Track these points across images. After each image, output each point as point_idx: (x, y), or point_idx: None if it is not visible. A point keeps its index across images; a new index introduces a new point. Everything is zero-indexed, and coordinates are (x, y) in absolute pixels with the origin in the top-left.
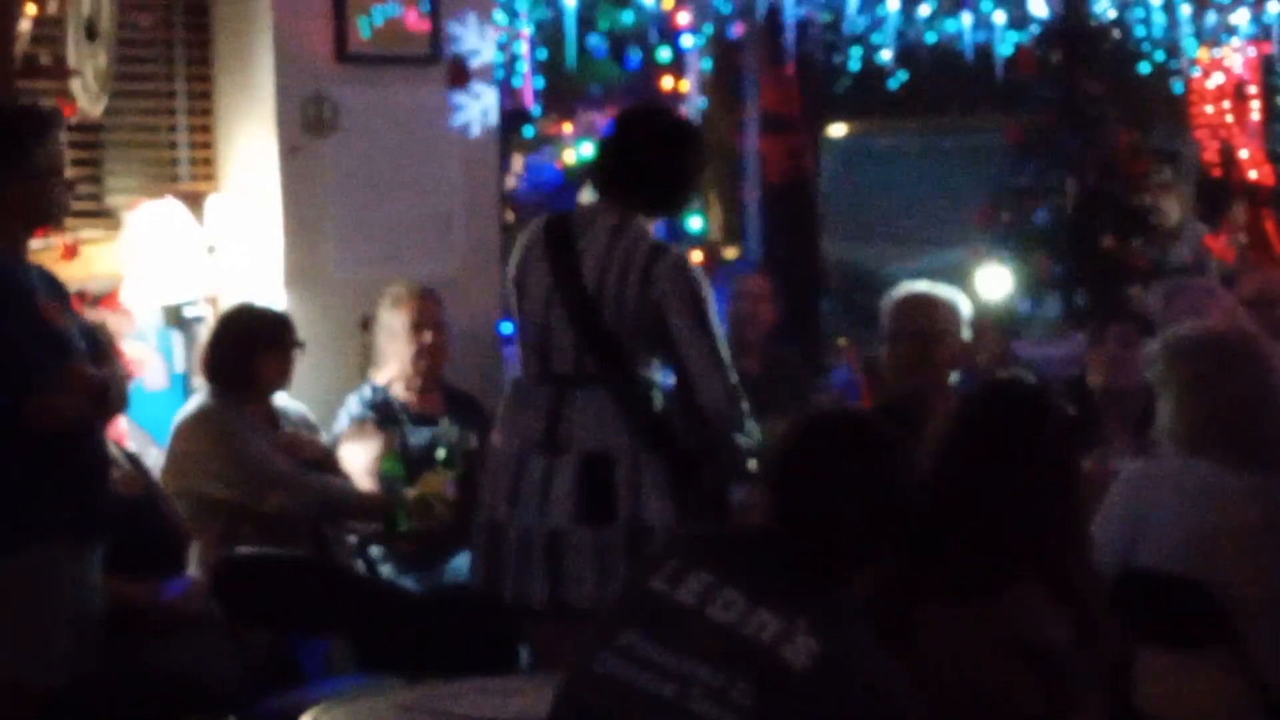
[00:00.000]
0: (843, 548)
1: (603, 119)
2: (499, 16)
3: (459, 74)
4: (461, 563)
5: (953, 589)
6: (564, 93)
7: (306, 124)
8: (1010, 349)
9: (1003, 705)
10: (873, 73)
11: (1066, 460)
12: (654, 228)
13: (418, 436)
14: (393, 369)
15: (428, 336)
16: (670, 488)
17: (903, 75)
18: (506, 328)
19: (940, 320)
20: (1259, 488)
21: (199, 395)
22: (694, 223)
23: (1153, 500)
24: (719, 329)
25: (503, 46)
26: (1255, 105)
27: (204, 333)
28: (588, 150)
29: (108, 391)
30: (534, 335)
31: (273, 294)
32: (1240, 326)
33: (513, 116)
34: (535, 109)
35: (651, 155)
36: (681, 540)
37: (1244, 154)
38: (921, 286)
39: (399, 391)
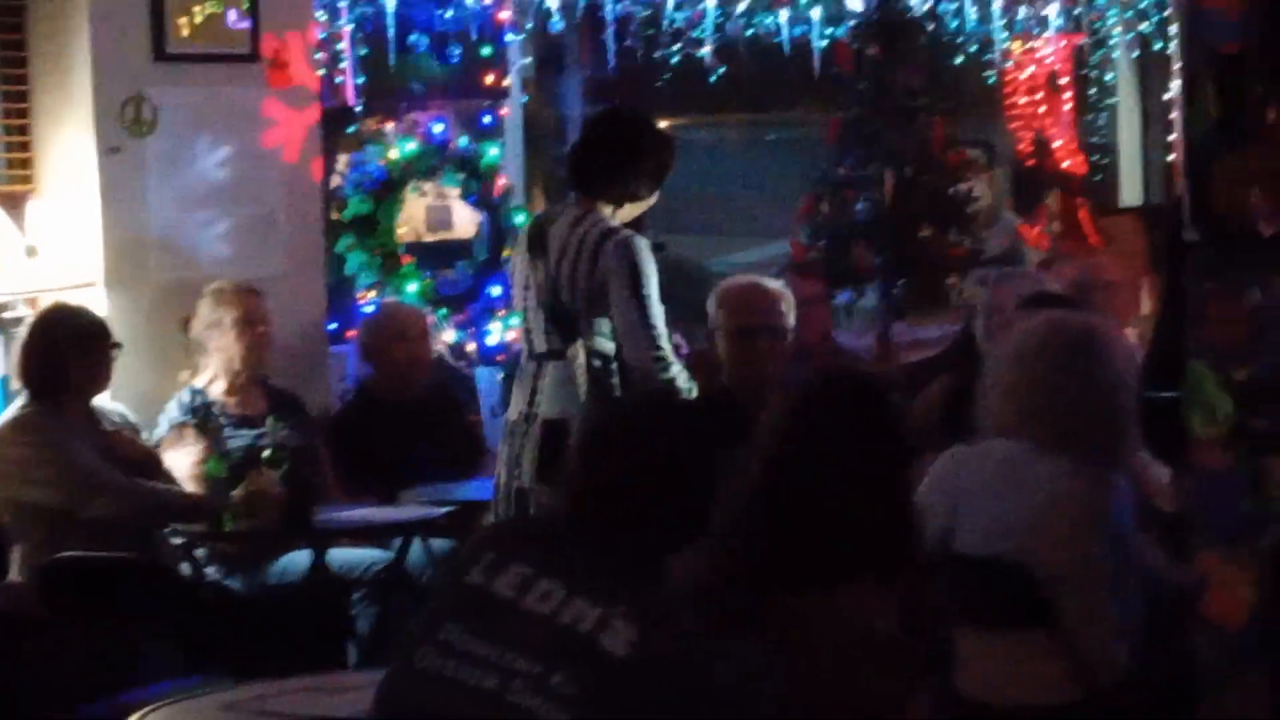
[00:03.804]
0: (649, 534)
1: (425, 116)
2: (319, 15)
3: (279, 72)
4: (289, 562)
5: (789, 579)
6: (386, 90)
7: (126, 124)
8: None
9: (835, 695)
10: (693, 67)
11: (899, 450)
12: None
13: (239, 438)
14: (215, 368)
15: (256, 331)
16: None
17: (722, 70)
18: (332, 326)
19: (786, 314)
20: (1074, 470)
21: (18, 401)
22: (518, 218)
23: (970, 482)
24: (654, 298)
25: (324, 44)
26: (1067, 96)
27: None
28: (411, 147)
29: None
30: (521, 319)
31: (94, 295)
32: (1080, 316)
33: (335, 114)
34: (358, 106)
35: (604, 152)
36: (499, 531)
37: (1057, 144)
38: (755, 279)
39: (218, 393)
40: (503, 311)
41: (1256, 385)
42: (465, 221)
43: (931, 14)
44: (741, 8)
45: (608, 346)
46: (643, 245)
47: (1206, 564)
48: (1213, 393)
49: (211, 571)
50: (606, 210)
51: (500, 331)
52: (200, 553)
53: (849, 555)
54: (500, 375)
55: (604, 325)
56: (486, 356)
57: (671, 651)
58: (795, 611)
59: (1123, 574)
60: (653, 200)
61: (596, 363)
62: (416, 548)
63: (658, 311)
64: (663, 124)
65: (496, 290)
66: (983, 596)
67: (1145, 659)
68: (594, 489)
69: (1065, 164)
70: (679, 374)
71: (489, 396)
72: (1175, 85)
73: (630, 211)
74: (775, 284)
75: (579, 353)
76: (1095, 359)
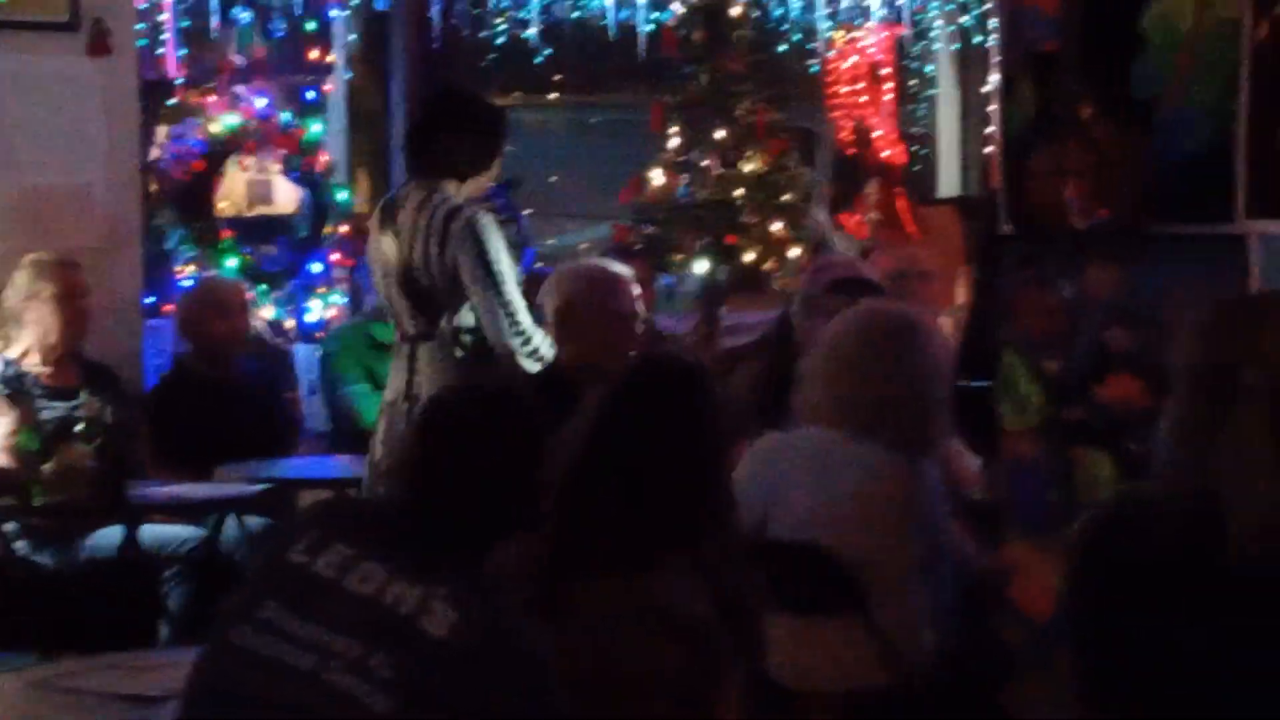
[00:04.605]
0: (476, 520)
1: (248, 90)
2: None
3: (99, 42)
4: (100, 538)
5: (603, 562)
6: (208, 63)
7: None
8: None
9: (648, 679)
10: (519, 48)
11: (715, 435)
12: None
13: (52, 410)
14: (29, 340)
15: (75, 306)
16: None
17: (548, 51)
18: (149, 299)
19: (635, 299)
20: (886, 458)
21: None
22: (340, 195)
23: (784, 469)
24: (506, 272)
25: (145, 15)
26: (888, 86)
27: None
28: (233, 120)
29: None
30: (387, 304)
31: None
32: (899, 307)
33: (156, 86)
34: (179, 79)
35: (441, 131)
36: (322, 511)
37: (878, 134)
38: (605, 262)
39: (33, 364)
40: (323, 288)
41: (1067, 377)
42: (287, 197)
43: (756, 2)
44: None
45: (474, 322)
46: (487, 222)
47: (1015, 553)
48: (1024, 384)
49: (20, 546)
50: (450, 188)
51: (320, 309)
52: (9, 527)
53: (663, 539)
54: (319, 352)
55: (464, 301)
56: (306, 333)
57: (491, 635)
58: (610, 594)
59: (932, 561)
60: (495, 172)
61: (467, 338)
62: (231, 525)
63: (511, 286)
64: None
65: (317, 267)
66: (795, 582)
67: (953, 645)
68: (421, 473)
69: (885, 154)
70: (542, 343)
71: (308, 374)
72: (994, 79)
73: (474, 186)
74: (625, 269)
75: (448, 333)
76: (909, 348)
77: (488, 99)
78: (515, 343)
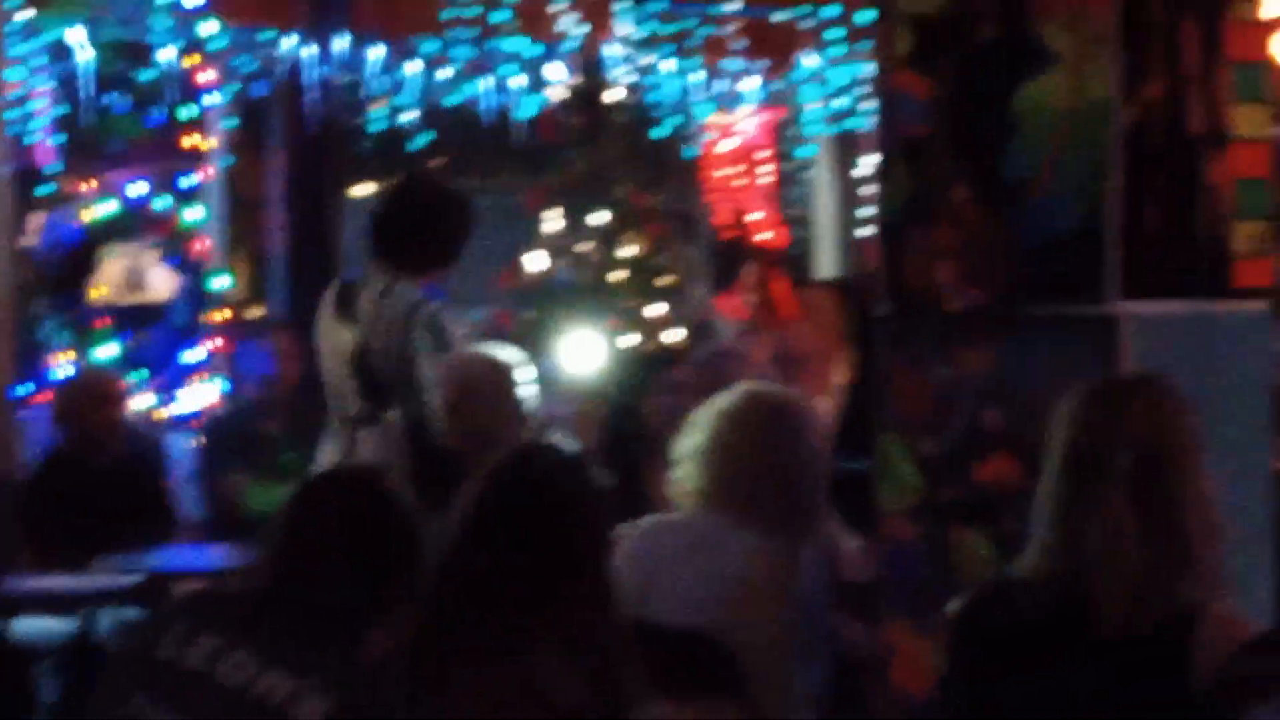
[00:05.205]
0: (346, 606)
1: (124, 176)
2: (15, 72)
3: None
4: None
5: (480, 648)
6: (84, 149)
7: None
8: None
9: None
10: (395, 133)
11: (593, 522)
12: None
13: None
14: None
15: None
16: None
17: (426, 136)
18: (21, 390)
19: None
20: (763, 542)
21: None
22: (218, 282)
23: (664, 552)
24: None
25: (19, 103)
26: (766, 170)
27: None
28: (109, 208)
29: None
30: (331, 384)
31: None
32: (775, 390)
33: (30, 174)
34: (54, 166)
35: (410, 224)
36: (189, 602)
37: (756, 216)
38: (497, 349)
39: None
40: (201, 375)
41: (943, 457)
42: (163, 284)
43: (633, 86)
44: (446, 75)
45: (423, 411)
46: (447, 317)
47: (894, 633)
48: (901, 465)
49: None
50: (411, 280)
51: (198, 395)
52: None
53: (540, 625)
54: (198, 439)
55: (419, 392)
56: (181, 421)
57: None
58: (485, 682)
59: (812, 645)
60: (454, 266)
61: (414, 427)
62: (107, 617)
63: None
64: (365, 189)
65: (194, 354)
66: (675, 666)
67: None
68: (290, 560)
69: (763, 236)
70: None
71: (181, 462)
72: (869, 163)
73: (433, 277)
74: (512, 355)
75: (396, 419)
76: (785, 432)
77: (458, 194)
78: None
